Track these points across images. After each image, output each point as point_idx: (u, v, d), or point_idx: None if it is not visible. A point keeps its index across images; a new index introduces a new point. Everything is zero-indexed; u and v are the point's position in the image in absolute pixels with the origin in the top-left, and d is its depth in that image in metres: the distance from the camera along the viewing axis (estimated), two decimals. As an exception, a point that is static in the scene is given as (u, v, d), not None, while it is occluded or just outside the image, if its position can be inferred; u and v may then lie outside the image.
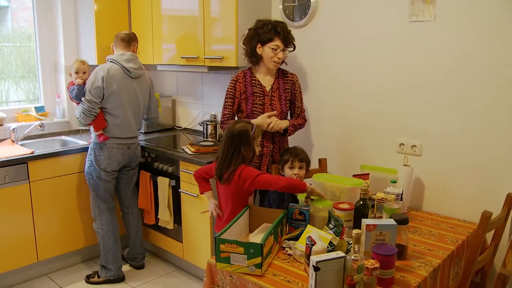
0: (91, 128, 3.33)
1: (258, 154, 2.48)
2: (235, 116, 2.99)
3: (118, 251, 3.50)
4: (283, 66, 3.00)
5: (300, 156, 2.67)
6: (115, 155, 3.34)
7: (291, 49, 2.93)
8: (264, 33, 2.81)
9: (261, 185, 2.36)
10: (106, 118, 3.28)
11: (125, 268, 3.67)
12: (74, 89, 3.22)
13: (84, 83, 3.23)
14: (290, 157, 2.67)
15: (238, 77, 2.94)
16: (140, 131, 4.14)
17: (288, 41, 2.85)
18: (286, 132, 2.94)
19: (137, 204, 3.70)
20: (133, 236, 3.66)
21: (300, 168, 2.67)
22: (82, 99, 3.19)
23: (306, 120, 3.06)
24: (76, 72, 3.28)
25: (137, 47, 3.48)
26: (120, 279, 3.51)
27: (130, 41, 3.40)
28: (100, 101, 3.21)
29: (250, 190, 2.44)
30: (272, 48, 2.81)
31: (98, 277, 3.49)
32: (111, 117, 3.29)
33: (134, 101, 3.37)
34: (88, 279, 3.50)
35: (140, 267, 3.72)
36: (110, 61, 3.30)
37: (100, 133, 3.26)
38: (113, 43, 3.42)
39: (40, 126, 3.79)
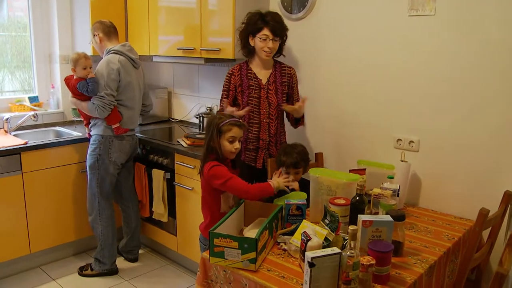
0: (94, 121, 3.24)
1: (233, 151, 2.35)
2: None
3: (114, 245, 3.48)
4: (280, 58, 2.97)
5: (294, 162, 2.62)
6: (125, 147, 3.33)
7: (281, 38, 2.85)
8: (253, 24, 2.79)
9: (230, 190, 2.33)
10: (120, 111, 3.24)
11: (119, 260, 3.65)
12: (88, 83, 3.07)
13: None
14: (284, 163, 2.63)
15: (233, 70, 2.91)
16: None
17: (276, 30, 2.78)
18: (297, 121, 2.94)
19: (137, 197, 3.67)
20: (133, 229, 3.64)
21: (296, 173, 2.65)
22: (100, 93, 3.10)
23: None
24: (84, 68, 3.12)
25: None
26: (114, 272, 3.49)
27: (116, 29, 3.35)
28: (116, 94, 3.18)
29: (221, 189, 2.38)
30: (261, 38, 2.77)
31: (92, 269, 3.46)
32: (125, 109, 3.26)
33: (138, 91, 3.36)
34: (81, 271, 3.48)
35: (135, 259, 3.71)
36: (114, 53, 3.21)
37: (116, 126, 3.23)
38: (102, 33, 3.28)
39: (34, 117, 3.75)
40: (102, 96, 3.10)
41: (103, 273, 3.45)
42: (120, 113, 3.24)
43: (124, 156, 3.35)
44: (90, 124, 3.32)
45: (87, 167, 3.32)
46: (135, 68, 3.31)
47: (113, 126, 3.22)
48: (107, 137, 3.24)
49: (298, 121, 2.94)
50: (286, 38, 2.89)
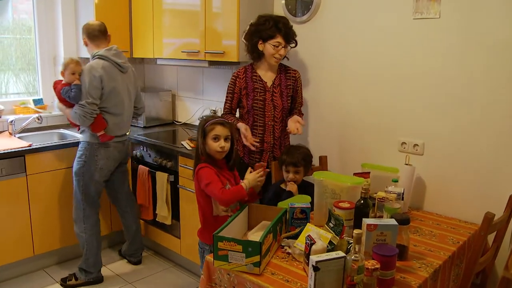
0: (82, 127, 3.18)
1: (218, 150, 2.32)
2: (234, 111, 2.98)
3: (99, 254, 3.40)
4: (285, 62, 2.97)
5: (295, 161, 2.66)
6: (113, 153, 3.26)
7: (293, 45, 2.89)
8: (266, 30, 2.77)
9: (210, 194, 2.33)
10: (105, 118, 3.15)
11: (122, 263, 3.65)
12: (71, 89, 3.01)
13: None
14: (285, 161, 2.70)
15: (239, 73, 2.91)
16: (139, 125, 4.13)
17: (289, 37, 2.81)
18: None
19: (135, 201, 3.65)
20: (134, 233, 3.61)
21: (296, 172, 2.67)
22: (81, 102, 3.01)
23: (303, 114, 3.03)
24: (73, 73, 3.04)
25: (110, 36, 3.29)
26: (99, 280, 3.41)
27: (106, 31, 3.22)
28: (99, 102, 3.09)
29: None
30: (274, 45, 2.77)
31: (76, 279, 3.36)
32: (110, 116, 3.17)
33: (127, 96, 3.27)
34: (64, 283, 3.38)
35: (138, 262, 3.70)
36: (99, 58, 3.11)
37: (101, 134, 3.15)
38: (87, 37, 3.19)
39: (38, 119, 3.75)
40: (83, 105, 3.01)
41: (88, 282, 3.36)
42: (105, 120, 3.15)
43: (112, 162, 3.28)
44: (80, 130, 3.27)
45: (73, 173, 3.27)
46: (122, 73, 3.20)
47: (98, 134, 3.14)
48: (93, 144, 3.17)
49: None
50: (296, 44, 2.91)
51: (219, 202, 2.33)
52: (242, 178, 2.43)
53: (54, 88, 3.15)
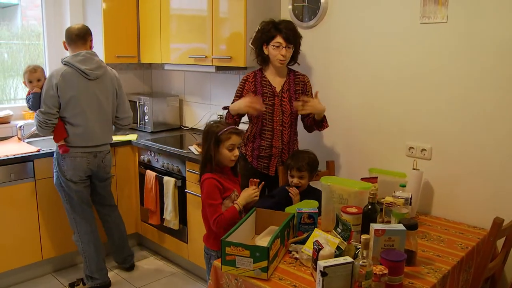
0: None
1: (232, 159, 2.33)
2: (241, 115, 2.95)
3: (101, 259, 3.35)
4: (295, 67, 2.96)
5: (298, 165, 2.66)
6: (79, 164, 3.12)
7: (294, 46, 2.83)
8: (266, 32, 2.79)
9: (207, 212, 2.33)
10: (66, 128, 3.04)
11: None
12: (30, 98, 2.98)
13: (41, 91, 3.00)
14: (289, 165, 2.71)
15: (248, 77, 2.91)
16: (147, 130, 4.14)
17: (290, 37, 2.78)
18: (321, 122, 2.87)
19: (116, 206, 3.53)
20: (117, 241, 3.54)
21: (300, 177, 2.67)
22: (37, 111, 2.95)
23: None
24: (30, 81, 3.00)
25: (92, 41, 3.17)
26: (107, 285, 3.39)
27: (85, 36, 3.09)
28: (57, 111, 2.98)
29: None
30: (274, 46, 2.77)
31: (84, 284, 3.36)
32: (71, 127, 3.05)
33: (96, 105, 3.11)
34: (72, 287, 3.39)
35: (131, 268, 3.66)
36: (64, 64, 3.01)
37: (61, 144, 3.06)
38: (66, 40, 3.09)
39: (47, 124, 3.77)
40: (37, 114, 2.95)
41: (95, 287, 3.34)
42: (65, 130, 3.04)
43: (80, 173, 3.14)
44: None
45: (54, 185, 3.25)
46: (89, 80, 3.04)
47: (58, 144, 3.06)
48: (60, 154, 3.11)
49: (321, 122, 2.87)
50: (300, 45, 2.89)
51: (212, 226, 2.31)
52: (246, 183, 2.44)
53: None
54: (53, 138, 3.07)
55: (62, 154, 3.09)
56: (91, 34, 3.16)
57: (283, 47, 2.77)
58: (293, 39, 2.80)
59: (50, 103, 2.95)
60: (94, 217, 3.36)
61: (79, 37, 3.07)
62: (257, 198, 2.40)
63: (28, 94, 3.07)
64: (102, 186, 3.37)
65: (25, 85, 3.08)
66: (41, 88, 3.02)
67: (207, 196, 2.30)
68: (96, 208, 3.46)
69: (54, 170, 3.20)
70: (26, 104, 3.16)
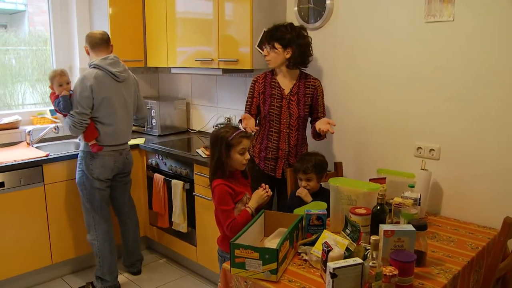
0: (80, 136, 3.20)
1: (244, 162, 2.33)
2: (254, 116, 2.94)
3: (114, 262, 3.39)
4: (305, 70, 2.96)
5: (304, 168, 2.66)
6: (108, 162, 3.22)
7: (283, 45, 2.79)
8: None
9: (219, 217, 2.34)
10: (97, 127, 3.14)
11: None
12: (60, 101, 3.05)
13: (70, 94, 3.09)
14: (296, 168, 2.73)
15: (258, 78, 2.93)
16: (154, 134, 4.15)
17: (271, 37, 2.80)
18: (318, 136, 2.85)
19: (136, 212, 3.61)
20: (131, 245, 3.58)
21: (308, 180, 2.66)
22: (71, 112, 3.04)
23: None
24: (60, 85, 3.08)
25: (112, 46, 3.29)
26: None
27: (108, 41, 3.22)
28: (90, 112, 3.08)
29: None
30: (264, 48, 2.89)
31: (93, 287, 3.40)
32: (102, 126, 3.16)
33: (124, 106, 3.25)
34: None
35: (137, 272, 3.68)
36: (94, 67, 3.12)
37: (93, 143, 3.14)
38: (89, 45, 3.20)
39: (55, 129, 3.80)
40: (72, 115, 3.03)
41: None
42: (97, 130, 3.14)
43: (108, 172, 3.24)
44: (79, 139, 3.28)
45: (76, 184, 3.29)
46: (118, 82, 3.18)
47: (89, 144, 3.14)
48: (88, 153, 3.17)
49: (319, 136, 2.85)
50: (299, 46, 2.81)
51: (225, 230, 2.32)
52: (254, 185, 2.44)
53: (52, 101, 3.17)
54: (84, 138, 3.15)
55: (91, 154, 3.17)
56: (110, 39, 3.27)
57: (265, 47, 2.85)
58: (275, 37, 2.78)
59: (85, 104, 3.05)
60: (111, 218, 3.41)
61: (102, 41, 3.19)
62: (268, 198, 2.41)
63: (55, 98, 3.11)
64: (124, 189, 3.46)
65: (52, 89, 3.14)
66: (68, 91, 3.10)
67: (219, 202, 2.31)
68: (118, 210, 3.52)
69: (79, 169, 3.24)
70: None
